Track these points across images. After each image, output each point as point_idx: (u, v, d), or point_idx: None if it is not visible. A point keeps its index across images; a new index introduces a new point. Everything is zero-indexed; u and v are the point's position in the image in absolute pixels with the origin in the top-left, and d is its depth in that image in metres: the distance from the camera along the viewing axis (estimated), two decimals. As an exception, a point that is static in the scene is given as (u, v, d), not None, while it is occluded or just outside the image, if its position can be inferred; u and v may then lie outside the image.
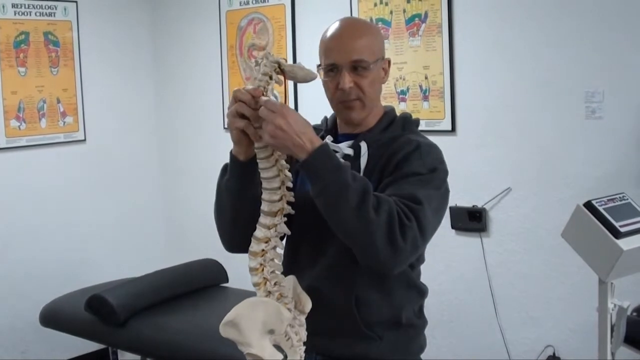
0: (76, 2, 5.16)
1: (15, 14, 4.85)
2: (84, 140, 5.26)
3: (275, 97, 1.97)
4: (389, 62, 2.26)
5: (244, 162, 2.06)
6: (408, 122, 2.26)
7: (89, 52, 5.26)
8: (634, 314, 3.25)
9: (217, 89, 5.23)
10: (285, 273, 2.12)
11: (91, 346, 5.01)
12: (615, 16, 3.70)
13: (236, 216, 2.13)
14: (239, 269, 4.16)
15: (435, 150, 2.19)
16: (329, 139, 2.22)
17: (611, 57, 3.73)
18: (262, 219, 1.97)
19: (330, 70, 2.14)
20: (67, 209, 5.17)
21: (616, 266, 2.59)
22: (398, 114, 2.30)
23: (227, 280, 4.62)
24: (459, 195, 4.22)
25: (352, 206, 1.90)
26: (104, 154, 5.38)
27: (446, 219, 4.22)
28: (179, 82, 5.58)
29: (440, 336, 4.36)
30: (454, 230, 4.28)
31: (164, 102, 5.69)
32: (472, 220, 4.20)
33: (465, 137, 4.21)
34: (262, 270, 1.94)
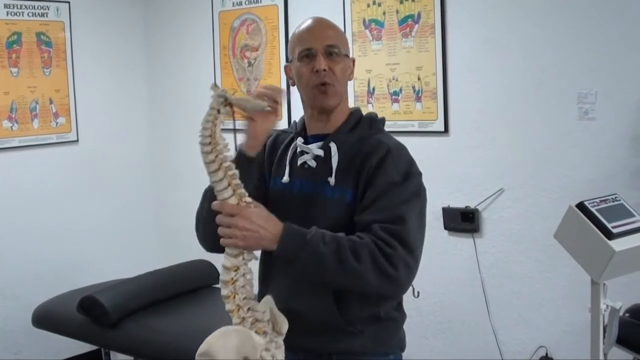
0: (69, 2, 5.15)
1: (7, 14, 4.84)
2: (77, 141, 5.25)
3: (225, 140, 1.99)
4: (354, 61, 2.36)
5: (252, 157, 2.15)
6: (374, 122, 2.33)
7: (82, 53, 5.26)
8: (626, 314, 3.25)
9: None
10: (264, 275, 2.25)
11: (84, 347, 5.00)
12: (609, 17, 3.71)
13: None
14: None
15: (404, 152, 2.26)
16: (299, 141, 2.30)
17: (604, 58, 3.74)
18: (229, 250, 2.01)
19: (305, 56, 2.23)
20: (60, 209, 5.16)
21: (608, 267, 2.59)
22: (385, 116, 2.39)
23: (219, 281, 4.61)
24: (452, 196, 4.22)
25: (333, 268, 2.01)
26: (97, 155, 5.37)
27: (439, 220, 4.24)
28: (172, 83, 5.57)
29: (433, 337, 4.37)
30: (446, 231, 4.28)
31: (156, 103, 5.69)
32: (465, 221, 4.20)
33: (458, 138, 4.21)
34: (234, 297, 1.98)
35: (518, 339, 4.11)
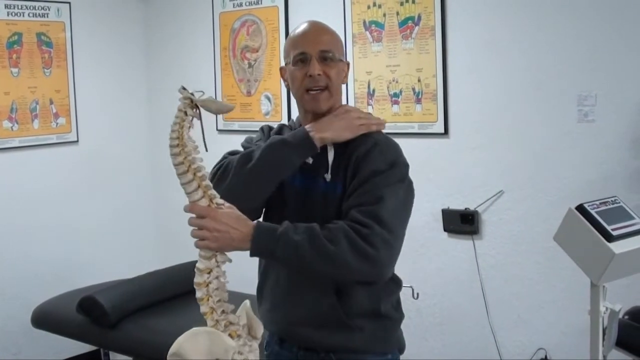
0: (69, 3, 5.16)
1: (8, 15, 4.84)
2: (77, 141, 5.26)
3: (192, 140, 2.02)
4: (349, 65, 2.42)
5: (315, 148, 2.21)
6: None
7: (82, 53, 5.26)
8: (626, 317, 3.25)
9: (210, 90, 5.22)
10: (265, 267, 2.31)
11: (83, 348, 5.01)
12: (609, 20, 3.71)
13: (268, 188, 2.24)
14: (229, 271, 4.16)
15: (393, 145, 2.28)
16: None
17: (604, 60, 3.74)
18: (202, 252, 2.02)
19: (300, 60, 2.27)
20: (59, 210, 5.16)
21: (608, 269, 2.59)
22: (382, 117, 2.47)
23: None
24: (452, 198, 4.22)
25: (310, 256, 2.02)
26: (97, 156, 5.37)
27: (438, 222, 4.24)
28: (172, 84, 5.52)
29: (432, 338, 4.37)
30: (446, 233, 4.28)
31: (156, 104, 5.69)
32: (465, 223, 4.20)
33: (458, 140, 4.21)
34: (208, 300, 1.99)
35: (517, 341, 4.11)
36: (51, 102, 5.09)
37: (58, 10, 5.10)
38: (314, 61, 2.25)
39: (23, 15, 4.92)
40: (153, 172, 5.72)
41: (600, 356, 2.72)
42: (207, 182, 2.00)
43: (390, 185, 2.15)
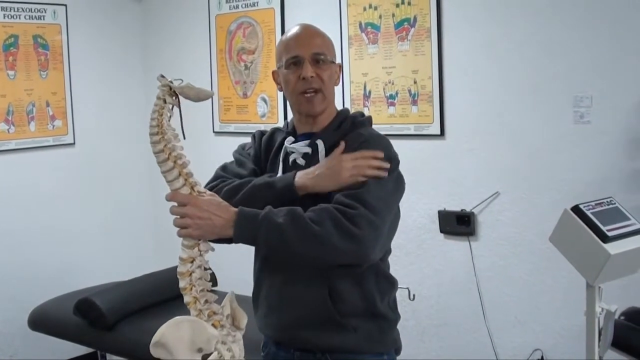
0: (65, 5, 5.16)
1: (4, 17, 4.84)
2: (73, 143, 5.26)
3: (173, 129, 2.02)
4: (340, 67, 2.44)
5: (298, 194, 2.18)
6: (357, 119, 2.38)
7: (79, 55, 5.26)
8: (622, 317, 3.26)
9: (207, 92, 5.21)
10: (259, 270, 2.30)
11: (80, 350, 5.00)
12: (605, 22, 3.72)
13: None
14: (228, 272, 4.17)
15: (383, 140, 2.29)
16: (287, 142, 2.35)
17: (600, 62, 3.74)
18: (184, 241, 2.03)
19: (293, 63, 2.29)
20: (56, 212, 5.16)
21: (604, 270, 2.60)
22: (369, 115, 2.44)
23: (216, 284, 4.61)
24: (448, 199, 4.23)
25: (294, 237, 2.02)
26: (93, 158, 5.37)
27: (434, 223, 4.24)
28: (169, 86, 5.56)
29: (429, 340, 4.37)
30: (442, 234, 4.28)
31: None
32: (461, 225, 4.20)
33: (454, 141, 4.22)
34: (191, 289, 2.01)
35: (514, 342, 4.11)
36: (47, 105, 5.09)
37: (54, 12, 5.10)
38: (307, 64, 2.26)
39: (19, 18, 4.92)
40: (150, 174, 5.72)
41: (597, 357, 2.73)
42: (188, 170, 2.01)
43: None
